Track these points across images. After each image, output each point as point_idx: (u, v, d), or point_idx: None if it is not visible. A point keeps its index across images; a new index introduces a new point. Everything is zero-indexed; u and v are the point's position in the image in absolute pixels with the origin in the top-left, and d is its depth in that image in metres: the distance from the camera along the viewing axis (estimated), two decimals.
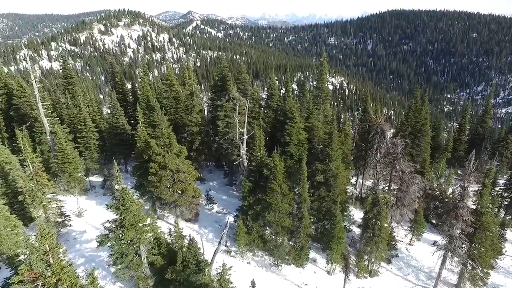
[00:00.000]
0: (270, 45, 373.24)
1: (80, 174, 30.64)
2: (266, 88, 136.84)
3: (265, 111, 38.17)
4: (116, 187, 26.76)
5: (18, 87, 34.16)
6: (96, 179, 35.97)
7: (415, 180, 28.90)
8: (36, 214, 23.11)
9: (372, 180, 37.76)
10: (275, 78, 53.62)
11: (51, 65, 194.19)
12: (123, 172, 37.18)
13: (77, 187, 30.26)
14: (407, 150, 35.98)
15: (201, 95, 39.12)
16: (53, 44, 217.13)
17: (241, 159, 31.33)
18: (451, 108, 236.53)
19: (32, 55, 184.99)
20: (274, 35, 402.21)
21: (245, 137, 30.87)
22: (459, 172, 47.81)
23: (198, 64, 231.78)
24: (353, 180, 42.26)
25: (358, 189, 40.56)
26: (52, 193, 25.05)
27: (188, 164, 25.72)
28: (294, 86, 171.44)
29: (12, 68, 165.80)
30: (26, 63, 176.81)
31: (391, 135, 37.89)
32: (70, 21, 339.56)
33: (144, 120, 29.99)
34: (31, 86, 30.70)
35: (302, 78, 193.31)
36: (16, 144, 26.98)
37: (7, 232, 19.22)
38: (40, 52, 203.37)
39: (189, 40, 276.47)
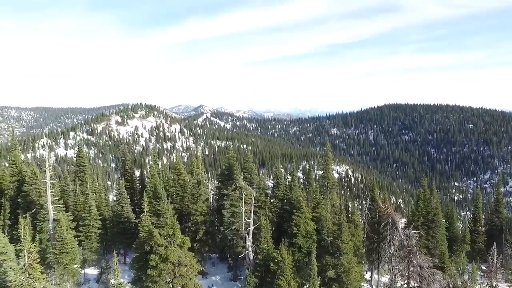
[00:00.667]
0: (276, 135, 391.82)
1: (76, 266, 28.96)
2: (272, 177, 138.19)
3: (272, 201, 37.76)
4: (112, 281, 24.95)
5: (31, 174, 35.14)
6: (92, 271, 33.77)
7: (436, 277, 26.49)
8: None
9: (388, 276, 34.74)
10: (281, 167, 54.52)
11: (66, 153, 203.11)
12: (121, 264, 35.07)
13: (70, 281, 28.22)
14: (422, 242, 34.03)
15: (208, 183, 39.52)
16: (71, 133, 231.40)
17: (246, 251, 29.69)
18: (461, 196, 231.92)
19: (50, 144, 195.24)
20: (279, 126, 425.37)
21: (251, 227, 29.87)
22: (483, 267, 44.06)
23: (207, 153, 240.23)
24: (367, 276, 38.94)
25: (373, 287, 37.04)
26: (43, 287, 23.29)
27: (191, 256, 24.37)
28: (300, 174, 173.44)
29: (29, 155, 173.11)
30: (44, 150, 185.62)
31: (403, 226, 36.35)
32: (91, 114, 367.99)
33: (150, 209, 29.66)
34: (44, 173, 31.62)
35: (307, 167, 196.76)
36: (17, 232, 26.36)
37: None
38: (58, 140, 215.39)
39: (199, 130, 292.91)
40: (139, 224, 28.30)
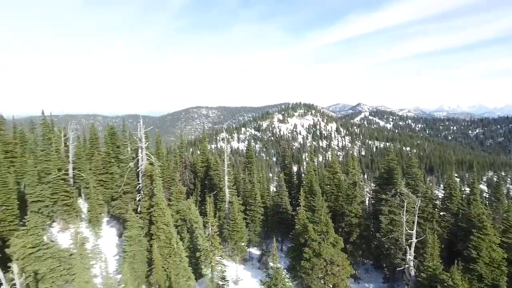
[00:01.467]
0: (449, 138, 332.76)
1: (243, 244, 33.89)
2: (442, 186, 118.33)
3: (441, 214, 32.49)
4: (271, 264, 27.76)
5: (214, 162, 43.36)
6: (255, 251, 38.63)
7: None
8: (205, 272, 26.52)
9: None
10: (455, 175, 45.94)
11: (238, 146, 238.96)
12: (278, 250, 38.55)
13: (239, 256, 33.30)
14: None
15: (364, 185, 37.87)
16: (243, 129, 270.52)
17: (406, 265, 26.83)
18: None
19: (227, 137, 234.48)
20: (455, 128, 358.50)
21: (414, 240, 26.70)
22: None
23: (363, 153, 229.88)
24: None
25: None
26: (219, 256, 28.54)
27: (343, 257, 24.14)
28: (483, 187, 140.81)
29: (213, 146, 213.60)
30: (223, 143, 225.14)
31: None
32: (258, 112, 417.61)
33: (305, 204, 31.21)
34: (223, 162, 38.43)
35: (494, 179, 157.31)
36: (204, 207, 33.33)
37: (183, 282, 22.73)
38: (233, 135, 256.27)
39: (355, 129, 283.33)
40: (296, 217, 30.26)
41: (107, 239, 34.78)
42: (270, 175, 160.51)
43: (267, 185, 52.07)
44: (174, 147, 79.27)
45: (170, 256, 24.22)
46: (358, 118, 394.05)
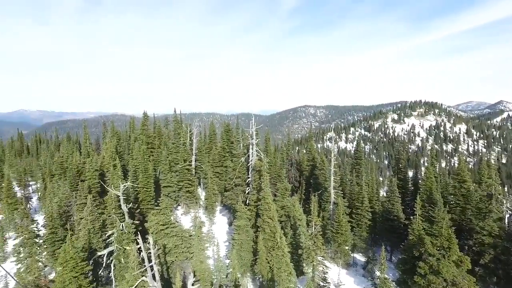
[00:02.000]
0: None
1: (347, 248, 32.49)
2: None
3: None
4: (378, 274, 25.79)
5: (320, 161, 42.83)
6: (360, 257, 36.56)
7: None
8: (306, 270, 26.56)
9: None
10: None
11: (346, 146, 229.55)
12: (387, 260, 35.47)
13: (342, 259, 32.09)
14: None
15: (503, 199, 31.12)
16: (351, 129, 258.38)
17: None
18: None
19: (335, 137, 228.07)
20: None
21: None
22: None
23: (504, 161, 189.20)
24: None
25: None
26: (321, 256, 28.11)
27: (470, 281, 20.46)
28: None
29: (319, 146, 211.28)
30: (330, 143, 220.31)
31: None
32: (369, 111, 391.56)
33: (422, 213, 27.75)
34: (329, 162, 37.57)
35: None
36: (308, 206, 33.34)
37: (284, 276, 23.33)
38: (340, 135, 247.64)
39: (493, 132, 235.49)
40: (409, 226, 27.24)
41: (219, 226, 38.55)
42: (381, 179, 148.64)
43: (376, 189, 48.41)
44: (281, 145, 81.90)
45: (274, 250, 25.16)
46: (498, 119, 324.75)
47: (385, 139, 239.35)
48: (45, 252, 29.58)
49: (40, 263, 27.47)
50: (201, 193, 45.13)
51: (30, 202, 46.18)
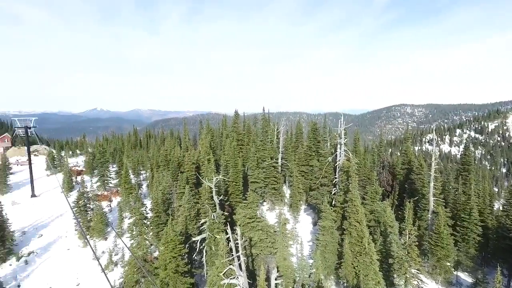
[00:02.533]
0: None
1: (448, 264, 28.63)
2: None
3: None
4: None
5: (418, 165, 38.63)
6: (465, 277, 31.78)
7: None
8: (397, 282, 24.37)
9: None
10: None
11: (450, 150, 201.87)
12: (503, 286, 29.99)
13: (442, 276, 28.42)
14: None
15: None
16: (458, 130, 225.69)
17: None
18: None
19: (436, 139, 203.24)
20: None
21: None
22: None
23: None
24: None
25: None
26: (416, 269, 25.39)
27: None
28: None
29: (416, 148, 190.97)
30: (430, 145, 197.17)
31: None
32: (482, 110, 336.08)
33: None
34: (429, 166, 33.61)
35: None
36: (401, 212, 30.47)
37: (372, 285, 21.89)
38: (443, 137, 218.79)
39: None
40: None
41: (303, 225, 38.38)
42: (495, 189, 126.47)
43: (489, 201, 41.22)
44: (372, 146, 76.83)
45: (361, 255, 23.83)
46: None
47: (503, 143, 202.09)
48: (151, 233, 34.06)
49: (147, 241, 31.79)
50: (286, 190, 45.63)
51: (141, 188, 53.73)
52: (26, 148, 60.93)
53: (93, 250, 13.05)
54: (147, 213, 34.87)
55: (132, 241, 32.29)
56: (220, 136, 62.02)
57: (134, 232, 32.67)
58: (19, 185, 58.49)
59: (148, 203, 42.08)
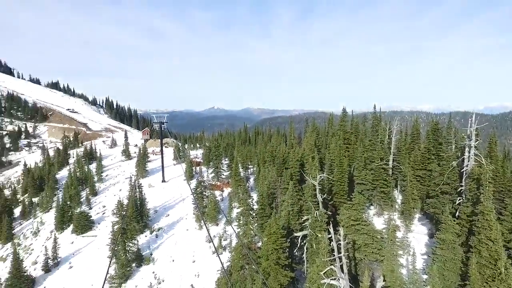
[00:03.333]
0: None
1: None
2: None
3: None
4: None
5: None
6: None
7: None
8: None
9: None
10: None
11: None
12: None
13: None
14: None
15: None
16: None
17: None
18: None
19: None
20: None
21: None
22: None
23: None
24: None
25: None
26: None
27: None
28: None
29: None
30: None
31: None
32: None
33: None
34: None
35: None
36: None
37: None
38: None
39: None
40: None
41: (416, 235, 34.23)
42: None
43: None
44: None
45: (494, 281, 19.76)
46: None
47: None
48: (256, 224, 36.03)
49: (252, 231, 33.81)
50: (397, 196, 41.45)
51: (248, 181, 57.38)
52: (159, 140, 72.57)
53: (208, 233, 14.60)
54: (253, 205, 37.01)
55: (239, 229, 34.83)
56: (326, 135, 60.80)
57: (241, 222, 35.17)
58: (154, 171, 70.22)
59: (254, 195, 44.60)
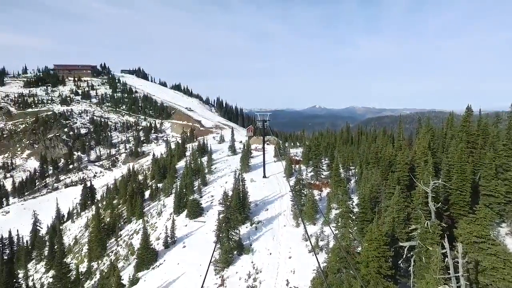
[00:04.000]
0: None
1: None
2: None
3: None
4: None
5: None
6: None
7: None
8: None
9: None
10: None
11: None
12: None
13: None
14: None
15: None
16: None
17: None
18: None
19: None
20: None
21: None
22: None
23: None
24: None
25: None
26: None
27: None
28: None
29: None
30: None
31: None
32: None
33: None
34: None
35: None
36: None
37: None
38: None
39: None
40: None
41: None
42: None
43: None
44: None
45: None
46: None
47: None
48: (355, 227, 34.17)
49: (351, 235, 32.20)
50: None
51: (349, 183, 54.80)
52: (262, 137, 76.02)
53: (306, 231, 14.62)
54: (353, 207, 35.23)
55: (337, 231, 33.66)
56: (443, 137, 53.12)
57: (339, 224, 33.93)
58: (256, 166, 74.00)
59: (355, 198, 42.40)
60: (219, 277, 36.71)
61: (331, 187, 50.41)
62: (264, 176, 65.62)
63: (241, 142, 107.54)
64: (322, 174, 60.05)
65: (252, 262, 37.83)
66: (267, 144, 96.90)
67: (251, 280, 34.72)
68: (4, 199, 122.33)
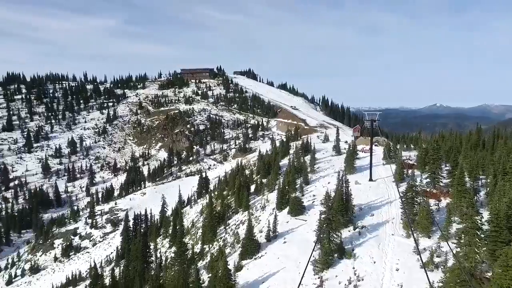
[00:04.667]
0: None
1: None
2: None
3: None
4: None
5: None
6: None
7: None
8: None
9: None
10: None
11: None
12: None
13: None
14: None
15: None
16: None
17: None
18: None
19: None
20: None
21: None
22: None
23: None
24: None
25: None
26: None
27: None
28: None
29: None
30: None
31: None
32: None
33: None
34: None
35: None
36: None
37: None
38: None
39: None
40: None
41: None
42: None
43: None
44: None
45: None
46: None
47: None
48: (485, 248, 28.67)
49: (477, 256, 27.17)
50: None
51: (477, 194, 46.27)
52: (369, 138, 71.32)
53: (416, 244, 13.12)
54: (481, 224, 29.69)
55: (459, 249, 28.94)
56: None
57: (462, 241, 29.07)
58: (361, 169, 69.90)
59: (485, 213, 35.66)
60: (318, 278, 36.23)
61: (452, 197, 43.59)
62: (371, 179, 61.40)
63: (346, 142, 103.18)
64: (441, 181, 52.42)
65: (353, 268, 35.99)
66: (375, 145, 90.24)
67: (352, 287, 33.12)
68: (142, 182, 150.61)
